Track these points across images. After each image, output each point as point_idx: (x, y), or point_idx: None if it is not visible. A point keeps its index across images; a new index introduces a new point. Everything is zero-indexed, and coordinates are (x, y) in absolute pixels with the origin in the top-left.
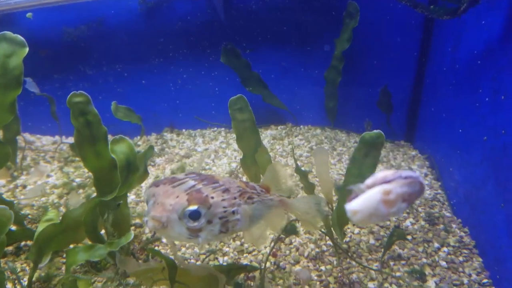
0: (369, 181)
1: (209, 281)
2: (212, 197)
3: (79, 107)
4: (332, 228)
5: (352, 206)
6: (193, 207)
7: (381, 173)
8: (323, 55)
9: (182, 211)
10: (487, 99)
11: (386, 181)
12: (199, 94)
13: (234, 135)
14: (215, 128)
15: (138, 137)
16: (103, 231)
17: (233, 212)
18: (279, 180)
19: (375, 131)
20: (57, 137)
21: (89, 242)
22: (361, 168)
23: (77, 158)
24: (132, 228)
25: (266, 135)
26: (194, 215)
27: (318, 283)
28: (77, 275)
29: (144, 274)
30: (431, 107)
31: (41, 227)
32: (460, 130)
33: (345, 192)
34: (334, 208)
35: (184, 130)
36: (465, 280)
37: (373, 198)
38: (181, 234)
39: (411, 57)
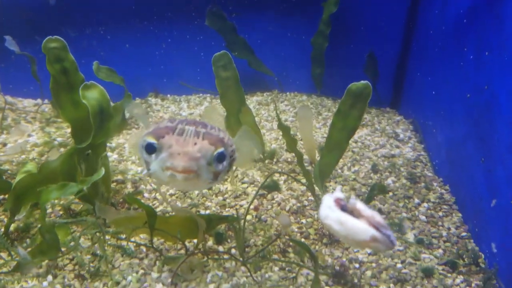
0: (360, 205)
1: (189, 227)
2: (223, 137)
3: (55, 53)
4: (314, 183)
5: (337, 217)
6: (220, 150)
7: (374, 213)
8: (310, 20)
9: (212, 156)
10: (471, 57)
11: (373, 223)
12: (184, 59)
13: (219, 101)
14: (201, 94)
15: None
16: None
17: (234, 150)
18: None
19: (362, 81)
20: (39, 100)
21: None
22: (346, 120)
23: (59, 119)
24: (114, 184)
25: (252, 101)
26: (221, 157)
27: (298, 234)
28: (55, 220)
29: (123, 222)
30: (417, 72)
31: (19, 177)
32: (444, 90)
33: (330, 147)
34: (317, 163)
35: (169, 95)
36: (444, 233)
37: (360, 233)
38: (206, 180)
39: (398, 23)
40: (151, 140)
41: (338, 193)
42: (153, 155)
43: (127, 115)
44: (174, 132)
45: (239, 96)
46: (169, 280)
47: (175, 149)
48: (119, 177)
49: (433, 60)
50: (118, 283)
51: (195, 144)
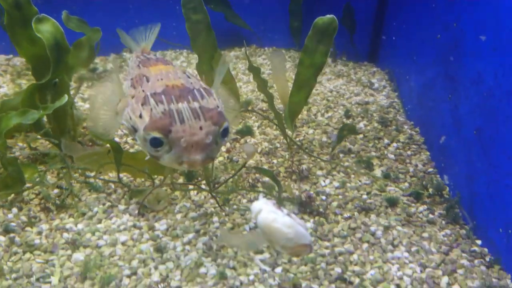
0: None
1: (157, 163)
2: (218, 106)
3: None
4: (284, 124)
5: (286, 221)
6: (225, 126)
7: (300, 228)
8: None
9: (218, 135)
10: None
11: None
12: (159, 13)
13: (196, 56)
14: (177, 50)
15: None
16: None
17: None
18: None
19: (328, 15)
20: (11, 56)
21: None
22: (313, 57)
23: (30, 72)
24: (83, 129)
25: (229, 56)
26: (226, 132)
27: None
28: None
29: (89, 158)
30: (393, 21)
31: None
32: (416, 35)
33: (299, 85)
34: (287, 103)
35: None
36: (411, 169)
37: (303, 237)
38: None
39: None
40: (158, 135)
41: (267, 201)
42: (160, 148)
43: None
44: (175, 118)
45: (211, 41)
46: (136, 211)
47: (187, 142)
48: (90, 124)
49: (407, 6)
50: (84, 214)
51: (201, 128)
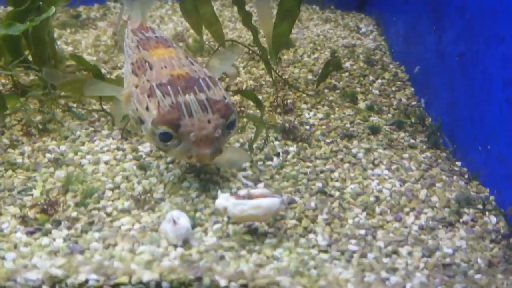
0: (245, 191)
1: None
2: (225, 97)
3: None
4: (269, 58)
5: (251, 206)
6: (232, 118)
7: (259, 189)
8: None
9: (225, 126)
10: None
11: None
12: None
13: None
14: None
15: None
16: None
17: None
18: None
19: None
20: None
21: None
22: None
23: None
24: (66, 67)
25: (216, 4)
26: (233, 124)
27: (254, 107)
28: None
29: (71, 86)
30: None
31: None
32: None
33: (282, 15)
34: (271, 35)
35: None
36: (395, 103)
37: (273, 205)
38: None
39: None
40: (167, 129)
41: (226, 195)
42: (169, 142)
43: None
44: (183, 112)
45: None
46: (119, 136)
47: (196, 136)
48: (73, 63)
49: None
50: (66, 137)
51: (209, 121)
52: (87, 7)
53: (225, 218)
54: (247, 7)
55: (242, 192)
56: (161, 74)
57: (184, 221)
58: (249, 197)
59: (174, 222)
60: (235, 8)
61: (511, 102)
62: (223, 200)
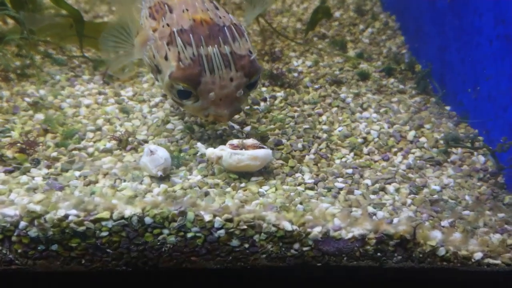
0: (236, 140)
1: None
2: (252, 54)
3: None
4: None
5: (250, 156)
6: (254, 79)
7: (250, 140)
8: None
9: (245, 85)
10: None
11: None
12: None
13: None
14: None
15: None
16: None
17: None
18: None
19: None
20: None
21: None
22: None
23: None
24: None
25: None
26: (255, 84)
27: None
28: None
29: (50, 31)
30: None
31: None
32: None
33: None
34: None
35: None
36: (385, 51)
37: (268, 157)
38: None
39: None
40: (186, 87)
41: (220, 148)
42: (187, 99)
43: None
44: (204, 67)
45: None
46: (101, 81)
47: (216, 95)
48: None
49: None
50: (46, 81)
51: (231, 80)
52: None
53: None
54: None
55: (235, 141)
56: (183, 18)
57: (161, 152)
58: (243, 146)
59: (152, 152)
60: None
61: (502, 39)
62: (218, 150)
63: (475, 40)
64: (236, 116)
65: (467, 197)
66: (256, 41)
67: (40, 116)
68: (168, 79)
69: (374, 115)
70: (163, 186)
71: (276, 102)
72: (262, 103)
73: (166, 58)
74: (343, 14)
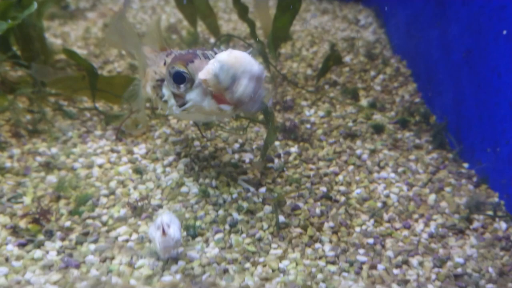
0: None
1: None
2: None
3: None
4: (267, 52)
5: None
6: None
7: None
8: None
9: None
10: None
11: None
12: None
13: None
14: None
15: None
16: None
17: None
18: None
19: None
20: None
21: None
22: None
23: None
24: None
25: None
26: None
27: None
28: None
29: (62, 83)
30: None
31: None
32: None
33: (283, 7)
34: (270, 28)
35: None
36: (398, 99)
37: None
38: None
39: None
40: (180, 67)
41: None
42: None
43: None
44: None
45: None
46: (113, 137)
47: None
48: (63, 57)
49: None
50: (57, 138)
51: None
52: None
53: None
54: None
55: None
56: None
57: (174, 230)
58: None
59: (164, 233)
60: None
61: None
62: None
63: (493, 99)
64: (250, 176)
65: (490, 269)
66: (267, 89)
67: (52, 178)
68: (165, 68)
69: (392, 174)
70: (181, 263)
71: (291, 158)
72: (276, 160)
73: (164, 63)
74: (354, 59)
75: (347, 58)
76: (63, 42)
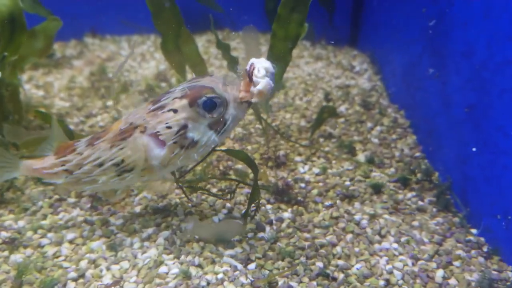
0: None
1: None
2: None
3: None
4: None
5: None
6: None
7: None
8: None
9: None
10: None
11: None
12: None
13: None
14: (144, 34)
15: None
16: None
17: None
18: None
19: None
20: None
21: None
22: (287, 27)
23: None
24: (32, 116)
25: (201, 40)
26: None
27: None
28: None
29: (36, 145)
30: (373, 1)
31: None
32: (400, 11)
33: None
34: None
35: (108, 35)
36: (397, 154)
37: None
38: None
39: None
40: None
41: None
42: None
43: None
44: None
45: (175, 16)
46: (88, 205)
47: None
48: (42, 110)
49: None
50: (26, 209)
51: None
52: (63, 43)
53: None
54: (233, 43)
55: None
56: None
57: None
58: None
59: None
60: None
61: None
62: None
63: (501, 161)
64: (238, 250)
65: None
66: (259, 142)
67: (17, 257)
68: (187, 104)
69: (395, 245)
70: None
71: (283, 225)
72: (267, 228)
73: (175, 111)
74: (349, 109)
75: (342, 108)
76: (45, 93)
